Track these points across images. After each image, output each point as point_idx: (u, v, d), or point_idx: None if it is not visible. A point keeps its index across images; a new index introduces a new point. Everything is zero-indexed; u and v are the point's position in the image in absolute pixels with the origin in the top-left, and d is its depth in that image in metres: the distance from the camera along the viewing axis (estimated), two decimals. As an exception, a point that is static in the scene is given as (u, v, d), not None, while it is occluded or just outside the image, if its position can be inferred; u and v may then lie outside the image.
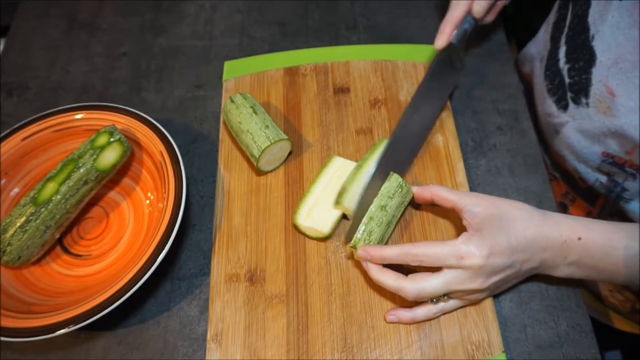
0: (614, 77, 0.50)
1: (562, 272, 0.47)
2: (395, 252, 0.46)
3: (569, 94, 0.56)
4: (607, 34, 0.50)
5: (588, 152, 0.56)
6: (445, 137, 0.60)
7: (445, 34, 0.58)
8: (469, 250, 0.44)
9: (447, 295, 0.47)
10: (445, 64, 0.60)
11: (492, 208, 0.46)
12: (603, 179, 0.57)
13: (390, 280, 0.46)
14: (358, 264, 0.52)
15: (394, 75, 0.65)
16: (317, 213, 0.53)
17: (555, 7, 0.62)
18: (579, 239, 0.45)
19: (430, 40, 0.68)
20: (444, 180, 0.57)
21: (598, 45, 0.51)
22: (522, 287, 0.52)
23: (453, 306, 0.48)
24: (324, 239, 0.54)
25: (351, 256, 0.53)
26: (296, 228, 0.54)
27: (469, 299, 0.47)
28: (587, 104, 0.53)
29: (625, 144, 0.51)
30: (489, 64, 0.68)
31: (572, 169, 0.61)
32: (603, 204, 0.61)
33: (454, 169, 0.57)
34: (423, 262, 0.45)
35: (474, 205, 0.46)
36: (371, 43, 0.69)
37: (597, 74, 0.52)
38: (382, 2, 0.74)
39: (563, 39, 0.58)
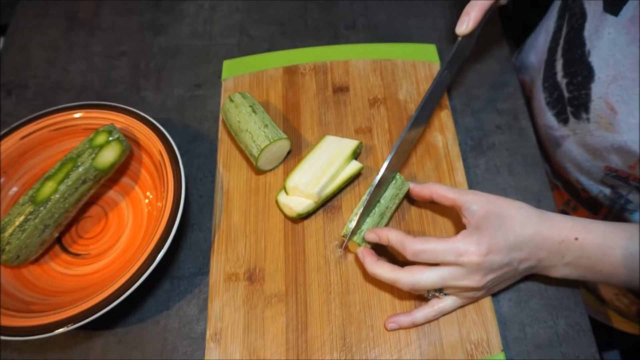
0: (614, 94, 0.49)
1: (559, 272, 0.47)
2: (397, 239, 0.46)
3: (568, 108, 0.55)
4: (604, 50, 0.49)
5: (590, 165, 0.56)
6: (444, 137, 0.60)
7: (473, 19, 0.52)
8: (467, 248, 0.44)
9: (442, 292, 0.47)
10: (460, 53, 0.56)
11: (490, 206, 0.46)
12: (607, 191, 0.57)
13: (386, 272, 0.46)
14: (356, 262, 0.52)
15: (393, 74, 0.65)
16: (298, 192, 0.53)
17: (555, 16, 0.61)
18: (576, 239, 0.44)
19: (430, 40, 0.69)
20: (443, 180, 0.57)
21: (595, 61, 0.50)
22: (521, 286, 0.52)
23: (452, 307, 0.48)
24: (300, 218, 0.54)
25: (341, 245, 0.53)
26: (277, 204, 0.54)
27: (465, 296, 0.47)
28: (588, 120, 0.53)
29: (629, 158, 0.51)
30: (488, 63, 0.68)
31: (574, 180, 0.61)
32: (606, 215, 0.60)
33: (453, 168, 0.57)
34: (421, 258, 0.45)
35: (473, 203, 0.46)
36: (370, 42, 0.69)
37: (597, 90, 0.51)
38: (382, 1, 0.74)
39: (559, 52, 0.57)
